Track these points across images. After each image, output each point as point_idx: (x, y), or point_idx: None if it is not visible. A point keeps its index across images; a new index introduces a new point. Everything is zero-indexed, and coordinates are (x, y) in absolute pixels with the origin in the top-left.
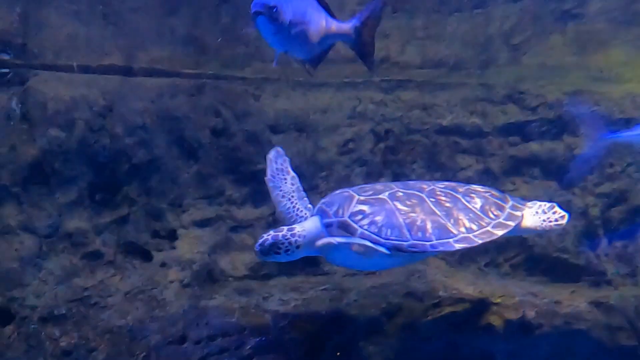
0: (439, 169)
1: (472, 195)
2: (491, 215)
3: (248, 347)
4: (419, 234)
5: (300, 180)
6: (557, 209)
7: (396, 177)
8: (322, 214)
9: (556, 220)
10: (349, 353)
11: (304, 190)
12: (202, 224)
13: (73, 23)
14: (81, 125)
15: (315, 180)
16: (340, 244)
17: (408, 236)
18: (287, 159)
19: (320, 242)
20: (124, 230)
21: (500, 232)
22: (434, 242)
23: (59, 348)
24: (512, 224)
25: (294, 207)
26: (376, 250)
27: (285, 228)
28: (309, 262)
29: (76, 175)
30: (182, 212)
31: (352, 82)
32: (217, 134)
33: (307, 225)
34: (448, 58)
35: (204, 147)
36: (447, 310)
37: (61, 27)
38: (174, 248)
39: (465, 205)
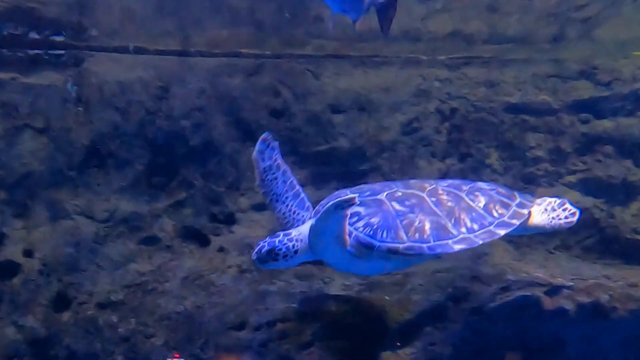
0: (506, 147)
1: (477, 193)
2: (495, 214)
3: (309, 333)
4: (416, 236)
5: (292, 171)
6: (567, 205)
7: (462, 157)
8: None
9: (566, 217)
10: (413, 339)
11: (299, 184)
12: (260, 207)
13: (129, 3)
14: (137, 107)
15: (377, 160)
16: (317, 224)
17: (404, 238)
18: (275, 147)
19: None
20: (181, 214)
21: (503, 232)
22: (432, 243)
23: (116, 334)
24: (516, 222)
25: (289, 210)
26: (371, 253)
27: (282, 233)
28: None
29: (132, 159)
30: (240, 195)
31: (416, 59)
32: (277, 114)
33: (303, 229)
34: (516, 33)
35: (263, 128)
36: (516, 294)
37: (117, 7)
38: (232, 232)
39: (469, 204)
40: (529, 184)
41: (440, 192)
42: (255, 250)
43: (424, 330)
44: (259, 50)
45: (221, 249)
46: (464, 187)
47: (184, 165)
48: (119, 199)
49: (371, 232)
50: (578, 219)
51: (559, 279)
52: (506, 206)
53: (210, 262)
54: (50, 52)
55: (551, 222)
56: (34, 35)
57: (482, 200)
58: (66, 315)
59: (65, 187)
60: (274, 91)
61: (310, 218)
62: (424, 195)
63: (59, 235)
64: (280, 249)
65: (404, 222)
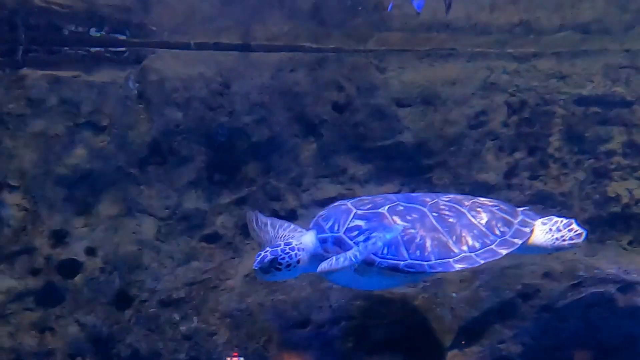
0: (578, 141)
1: (478, 209)
2: (497, 232)
3: (374, 331)
4: (417, 253)
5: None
6: (574, 226)
7: (531, 151)
8: (318, 228)
9: (571, 238)
10: (481, 337)
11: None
12: (323, 203)
13: None
14: (198, 103)
15: (443, 155)
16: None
17: (405, 255)
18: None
19: (319, 269)
20: (243, 211)
21: (505, 251)
22: (433, 262)
23: (178, 332)
24: (518, 241)
25: (285, 235)
26: (371, 269)
27: (282, 242)
28: None
29: (194, 155)
30: (302, 191)
31: (483, 51)
32: (340, 109)
33: (304, 240)
34: (587, 22)
35: (326, 123)
36: (588, 290)
37: (178, 3)
38: None
39: (470, 220)
40: (601, 178)
41: (442, 206)
42: (257, 260)
43: (492, 328)
44: (321, 44)
45: None
46: (466, 203)
47: (245, 161)
48: (180, 196)
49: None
50: (583, 240)
51: (633, 275)
52: (508, 224)
53: None
54: (111, 49)
55: (554, 242)
56: (95, 32)
57: (484, 217)
58: (128, 313)
59: (127, 185)
60: (336, 85)
61: (309, 230)
62: (426, 209)
63: (120, 233)
64: (283, 258)
65: (405, 238)
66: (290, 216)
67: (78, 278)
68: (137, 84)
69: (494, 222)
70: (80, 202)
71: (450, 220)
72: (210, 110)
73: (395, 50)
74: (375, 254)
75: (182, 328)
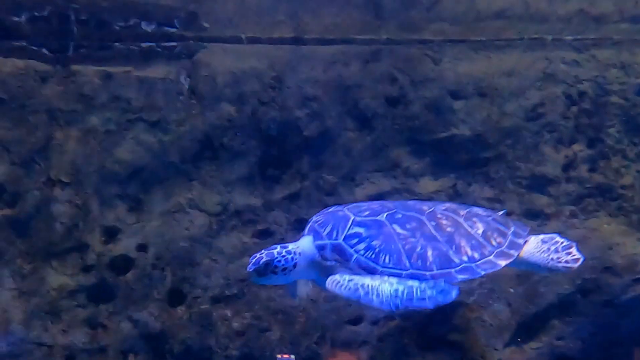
0: (638, 132)
1: (474, 219)
2: (493, 243)
3: (428, 327)
4: (419, 263)
5: None
6: (573, 250)
7: (591, 143)
8: (314, 233)
9: (566, 262)
10: (539, 333)
11: None
12: (377, 198)
13: None
14: (250, 98)
15: (500, 148)
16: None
17: (407, 264)
18: None
19: (329, 286)
20: (295, 206)
21: (503, 262)
22: (435, 272)
23: (231, 328)
24: (514, 252)
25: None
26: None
27: (279, 246)
28: None
29: (246, 150)
30: (355, 186)
31: (541, 41)
32: (393, 102)
33: (301, 244)
34: None
35: (379, 116)
36: None
37: None
38: None
39: (467, 230)
40: None
41: (439, 215)
42: (253, 262)
43: (550, 323)
44: (375, 35)
45: None
46: (462, 212)
47: (297, 156)
48: (232, 192)
49: (373, 256)
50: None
51: None
52: (503, 234)
53: None
54: (162, 44)
55: (549, 262)
56: (146, 27)
57: (480, 227)
58: (180, 310)
59: (179, 181)
60: (390, 78)
61: (304, 235)
62: (423, 218)
63: (172, 229)
64: (280, 261)
65: (406, 247)
66: None
67: (130, 274)
68: (188, 79)
69: (489, 233)
70: (132, 198)
71: (449, 229)
72: (263, 104)
73: (450, 41)
74: (376, 263)
75: (235, 324)
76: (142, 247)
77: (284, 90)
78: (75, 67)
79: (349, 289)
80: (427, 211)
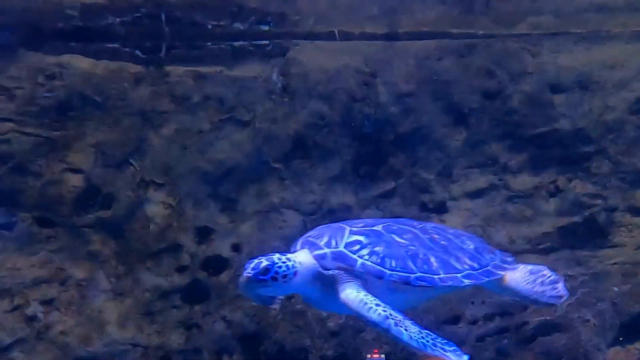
0: None
1: (463, 237)
2: (487, 257)
3: (530, 327)
4: (425, 267)
5: None
6: (559, 286)
7: None
8: (310, 245)
9: (550, 297)
10: None
11: None
12: (474, 194)
13: None
14: (343, 95)
15: (602, 142)
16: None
17: (414, 268)
18: None
19: (344, 297)
20: (390, 204)
21: (502, 272)
22: (442, 275)
23: (326, 328)
24: (508, 266)
25: None
26: (379, 283)
27: (277, 253)
28: (595, 233)
29: (339, 149)
30: (451, 182)
31: None
32: (490, 96)
33: (301, 258)
34: None
35: (476, 111)
36: None
37: None
38: (443, 221)
39: (459, 245)
40: None
41: (430, 230)
42: (251, 267)
43: None
44: (469, 30)
45: None
46: (450, 231)
47: (391, 153)
48: (325, 190)
49: (379, 261)
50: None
51: None
52: (493, 252)
53: None
54: (255, 43)
55: (532, 295)
56: (238, 26)
57: (470, 244)
58: (274, 311)
59: (271, 180)
60: (487, 72)
61: (297, 251)
62: (417, 231)
63: (266, 229)
64: (280, 267)
65: (409, 253)
66: (440, 209)
67: (224, 275)
68: (281, 77)
69: (481, 248)
70: (225, 198)
71: (443, 242)
72: (356, 101)
73: (549, 34)
74: (383, 267)
75: (330, 324)
76: (235, 247)
77: (378, 87)
78: (168, 68)
79: (379, 314)
80: (418, 227)
